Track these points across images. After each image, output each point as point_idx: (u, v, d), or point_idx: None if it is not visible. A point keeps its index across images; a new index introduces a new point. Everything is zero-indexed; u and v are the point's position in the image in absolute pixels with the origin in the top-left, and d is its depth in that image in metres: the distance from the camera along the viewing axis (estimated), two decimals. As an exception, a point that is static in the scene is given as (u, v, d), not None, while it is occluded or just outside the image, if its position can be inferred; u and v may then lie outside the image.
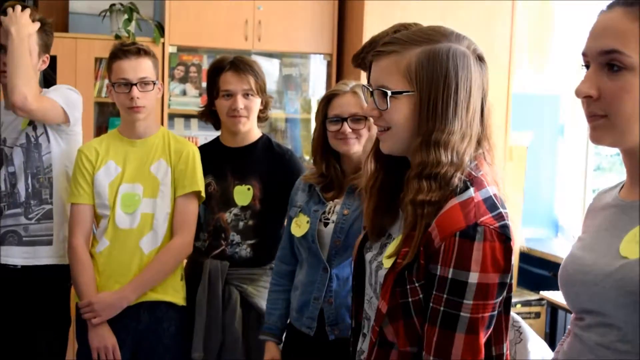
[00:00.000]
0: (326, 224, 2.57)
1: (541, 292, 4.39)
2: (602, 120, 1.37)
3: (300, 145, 4.70)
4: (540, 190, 5.06)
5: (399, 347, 1.63)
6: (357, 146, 2.54)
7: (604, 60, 1.35)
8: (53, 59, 4.13)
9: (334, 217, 2.57)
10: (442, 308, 1.56)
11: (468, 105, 1.64)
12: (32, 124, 2.95)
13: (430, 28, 1.70)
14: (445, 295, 1.55)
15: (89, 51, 4.31)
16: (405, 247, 1.61)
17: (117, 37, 4.29)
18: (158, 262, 2.85)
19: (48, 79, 4.07)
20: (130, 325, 2.85)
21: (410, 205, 1.61)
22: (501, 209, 1.59)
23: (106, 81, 3.50)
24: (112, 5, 4.45)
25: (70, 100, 3.01)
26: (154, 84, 2.87)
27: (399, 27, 2.10)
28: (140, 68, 2.83)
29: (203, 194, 2.93)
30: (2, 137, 2.99)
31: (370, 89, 1.69)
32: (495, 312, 1.59)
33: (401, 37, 1.67)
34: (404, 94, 1.63)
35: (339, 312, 2.52)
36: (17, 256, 2.97)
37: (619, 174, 4.45)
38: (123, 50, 2.85)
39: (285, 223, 2.92)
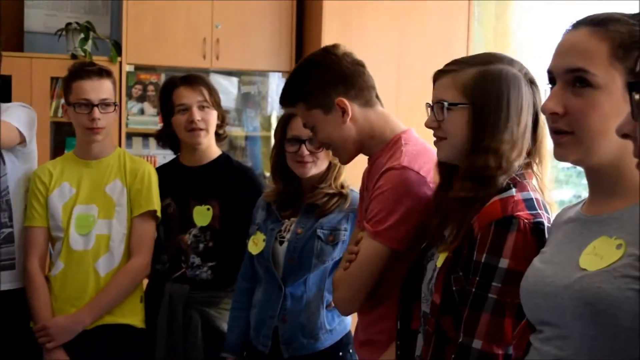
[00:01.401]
0: (281, 242, 2.58)
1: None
2: (568, 136, 1.41)
3: (261, 163, 4.70)
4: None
5: (450, 335, 1.73)
6: (314, 169, 2.55)
7: (570, 78, 1.39)
8: (8, 79, 4.04)
9: (288, 236, 2.57)
10: (473, 289, 1.66)
11: (519, 120, 1.76)
12: None
13: (487, 53, 1.90)
14: (477, 278, 1.66)
15: (44, 71, 4.24)
16: (455, 242, 1.73)
17: (74, 56, 4.24)
18: (115, 284, 2.78)
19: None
20: (87, 349, 2.75)
21: (452, 201, 1.77)
22: (540, 211, 1.69)
23: (62, 101, 3.38)
24: (68, 24, 4.39)
25: (25, 119, 2.91)
26: (115, 105, 2.82)
27: (328, 47, 2.23)
28: (101, 89, 2.79)
29: (159, 214, 2.87)
30: None
31: (431, 104, 1.83)
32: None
33: (461, 59, 1.84)
34: (459, 106, 1.77)
35: (293, 331, 2.53)
36: None
37: (575, 186, 4.51)
38: (85, 71, 2.81)
39: (245, 243, 2.89)
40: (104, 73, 2.82)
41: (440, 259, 1.76)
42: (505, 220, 1.64)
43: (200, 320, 2.82)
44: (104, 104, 2.77)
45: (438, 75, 1.84)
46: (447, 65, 1.84)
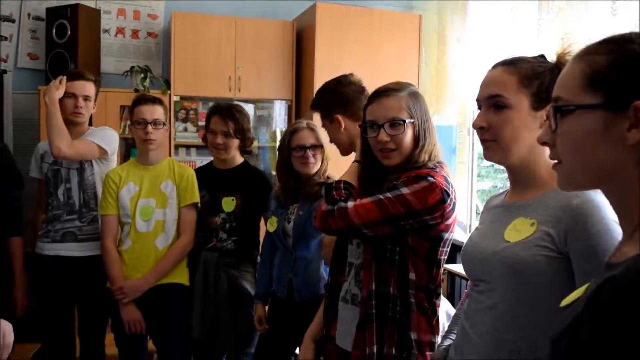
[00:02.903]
0: (289, 222, 2.61)
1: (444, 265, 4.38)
2: (492, 143, 1.41)
3: (269, 165, 4.68)
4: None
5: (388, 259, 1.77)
6: (315, 168, 2.57)
7: (490, 102, 1.40)
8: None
9: (293, 217, 2.60)
10: (378, 192, 1.72)
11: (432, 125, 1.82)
12: None
13: (400, 82, 1.85)
14: (385, 191, 1.71)
15: (115, 101, 4.24)
16: None
17: (136, 90, 4.24)
18: (170, 255, 2.80)
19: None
20: (151, 302, 2.79)
21: (390, 182, 1.76)
22: (451, 188, 1.72)
23: (128, 122, 3.45)
24: (132, 67, 4.41)
25: (106, 137, 2.98)
26: (164, 124, 2.83)
27: (341, 77, 2.23)
28: (154, 112, 2.79)
29: (199, 205, 2.90)
30: (60, 162, 2.96)
31: (380, 123, 1.76)
32: (395, 223, 1.69)
33: (392, 86, 1.80)
34: (409, 122, 1.76)
35: (302, 282, 2.56)
36: (74, 250, 2.93)
37: (492, 179, 4.49)
38: (143, 99, 2.84)
39: (259, 224, 2.96)
40: (157, 101, 2.83)
41: None
42: (426, 175, 1.68)
43: (227, 279, 2.83)
44: (156, 122, 2.77)
45: (380, 97, 1.77)
46: (386, 90, 1.78)
